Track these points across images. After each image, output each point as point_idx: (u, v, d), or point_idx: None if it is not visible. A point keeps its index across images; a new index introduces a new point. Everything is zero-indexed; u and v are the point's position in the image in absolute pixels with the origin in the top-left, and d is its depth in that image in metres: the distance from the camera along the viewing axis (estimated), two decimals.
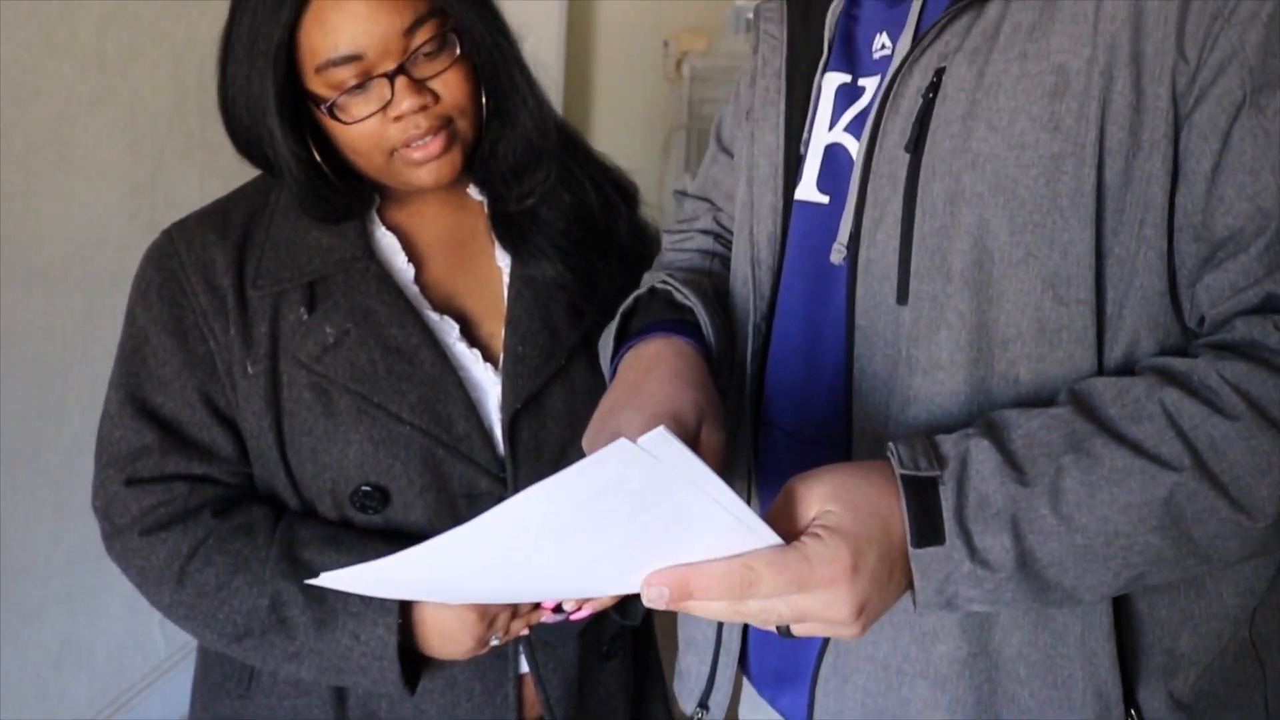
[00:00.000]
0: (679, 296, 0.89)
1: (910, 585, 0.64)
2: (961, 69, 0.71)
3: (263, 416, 0.96)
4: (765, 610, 0.60)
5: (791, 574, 0.58)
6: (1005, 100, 0.69)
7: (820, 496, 0.62)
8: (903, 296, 0.74)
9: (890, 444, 0.65)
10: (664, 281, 0.91)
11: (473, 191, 1.07)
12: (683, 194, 1.08)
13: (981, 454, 0.64)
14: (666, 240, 1.06)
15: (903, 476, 0.63)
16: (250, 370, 0.96)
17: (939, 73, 0.72)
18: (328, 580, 0.62)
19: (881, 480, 0.63)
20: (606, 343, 0.90)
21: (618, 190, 1.13)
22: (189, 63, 2.21)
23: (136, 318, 0.99)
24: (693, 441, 0.74)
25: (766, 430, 0.86)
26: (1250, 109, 0.65)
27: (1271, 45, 0.64)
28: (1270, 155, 0.64)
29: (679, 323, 0.87)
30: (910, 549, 0.62)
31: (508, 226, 1.04)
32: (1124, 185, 0.68)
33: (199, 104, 2.24)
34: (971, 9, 0.72)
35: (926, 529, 0.62)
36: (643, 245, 1.13)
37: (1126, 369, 0.70)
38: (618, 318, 0.91)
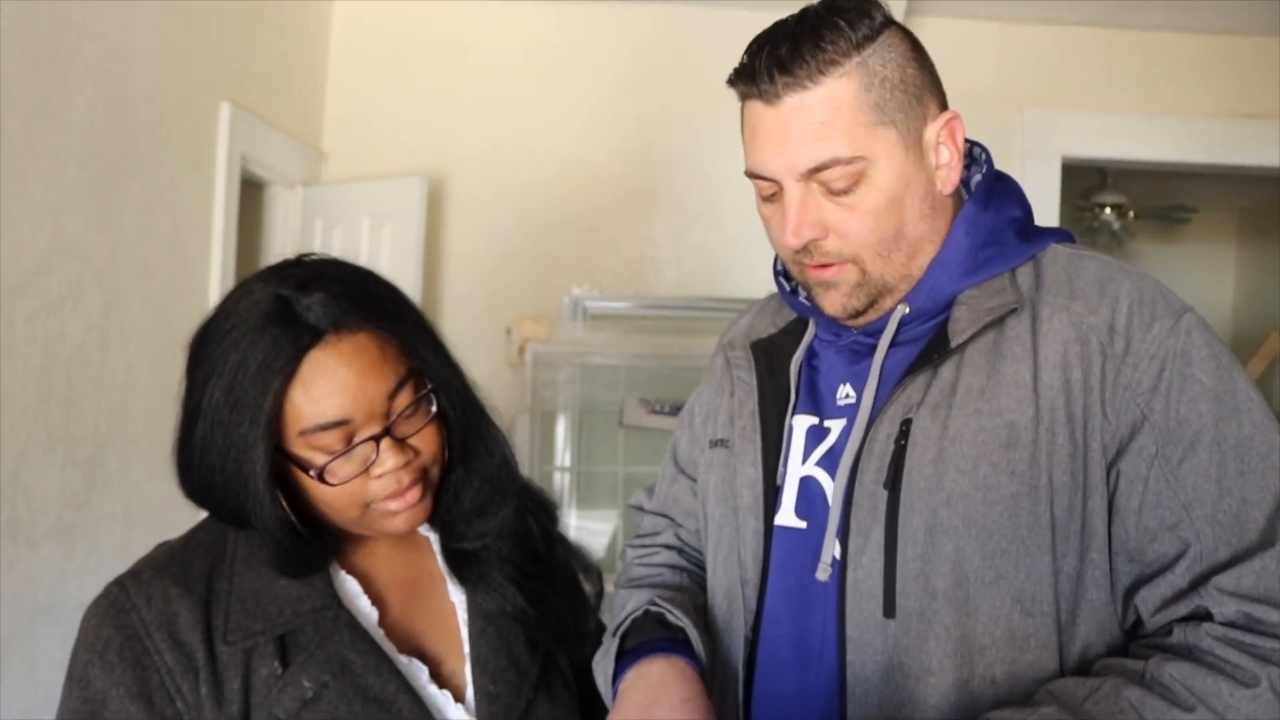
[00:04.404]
0: (670, 618, 0.98)
1: None
2: (926, 421, 0.88)
3: None
4: None
5: None
6: (968, 449, 0.86)
7: None
8: (889, 611, 0.86)
9: None
10: (655, 604, 1.00)
11: (421, 529, 1.07)
12: (640, 509, 1.19)
13: None
14: (631, 554, 1.15)
15: None
16: None
17: (906, 423, 0.88)
18: None
19: None
20: (604, 662, 0.98)
21: (544, 510, 1.16)
22: (59, 358, 2.19)
23: (92, 680, 0.93)
24: None
25: None
26: (1160, 459, 0.84)
27: (1169, 411, 0.85)
28: (1181, 495, 0.83)
29: (672, 641, 0.96)
30: None
31: (463, 563, 1.06)
32: (1069, 518, 0.85)
33: (65, 397, 2.20)
34: (927, 370, 0.89)
35: None
36: (569, 562, 1.15)
37: (1083, 668, 0.85)
38: (616, 639, 0.98)
